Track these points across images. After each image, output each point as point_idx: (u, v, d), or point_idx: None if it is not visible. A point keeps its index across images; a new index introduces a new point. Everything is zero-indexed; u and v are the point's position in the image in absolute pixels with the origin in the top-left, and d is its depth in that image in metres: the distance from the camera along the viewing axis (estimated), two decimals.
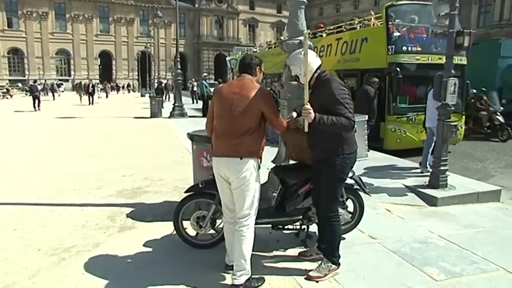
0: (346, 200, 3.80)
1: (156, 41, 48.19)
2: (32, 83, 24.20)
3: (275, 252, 3.58)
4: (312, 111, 2.78)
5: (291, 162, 3.96)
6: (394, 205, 5.12)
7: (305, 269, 3.24)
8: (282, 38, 9.22)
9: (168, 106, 18.83)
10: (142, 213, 4.64)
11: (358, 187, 3.83)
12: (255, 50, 21.26)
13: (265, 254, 3.53)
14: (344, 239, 3.60)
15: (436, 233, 4.15)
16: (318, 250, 3.37)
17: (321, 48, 11.58)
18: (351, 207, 3.90)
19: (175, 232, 3.67)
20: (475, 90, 12.63)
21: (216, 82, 23.38)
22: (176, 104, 17.08)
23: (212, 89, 16.68)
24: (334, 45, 11.20)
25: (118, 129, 13.16)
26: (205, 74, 32.52)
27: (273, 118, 2.98)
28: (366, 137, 7.69)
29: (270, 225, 3.67)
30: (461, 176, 6.38)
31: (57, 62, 57.76)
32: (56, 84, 40.74)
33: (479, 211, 5.03)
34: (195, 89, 26.89)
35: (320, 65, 3.07)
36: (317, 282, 3.05)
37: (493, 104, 12.58)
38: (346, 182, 3.34)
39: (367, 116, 7.58)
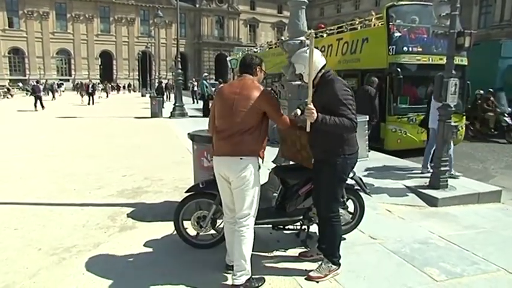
0: (347, 200, 3.80)
1: (156, 41, 48.24)
2: (34, 83, 24.31)
3: (275, 253, 3.58)
4: (314, 111, 2.77)
5: (291, 162, 3.97)
6: (395, 205, 5.12)
7: (305, 270, 3.24)
8: (283, 38, 9.21)
9: (168, 106, 18.83)
10: (142, 213, 4.64)
11: (359, 187, 3.83)
12: (255, 50, 21.26)
13: (266, 254, 3.53)
14: (344, 239, 3.60)
15: (437, 234, 4.15)
16: (319, 250, 3.37)
17: (321, 49, 11.56)
18: (351, 208, 3.90)
19: (175, 232, 3.67)
20: (482, 91, 12.54)
21: (217, 82, 23.38)
22: (177, 104, 17.07)
23: (213, 89, 16.75)
24: (335, 46, 11.20)
25: (118, 129, 13.16)
26: (206, 74, 32.46)
27: (276, 117, 2.99)
28: (367, 137, 7.70)
29: (270, 226, 3.67)
30: (461, 176, 6.36)
31: (58, 62, 57.80)
32: (57, 84, 40.78)
33: (480, 212, 5.03)
34: (195, 88, 26.89)
35: (325, 65, 3.06)
36: (317, 282, 3.05)
37: (501, 105, 12.39)
38: (346, 182, 3.33)
39: (367, 116, 7.58)
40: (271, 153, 3.63)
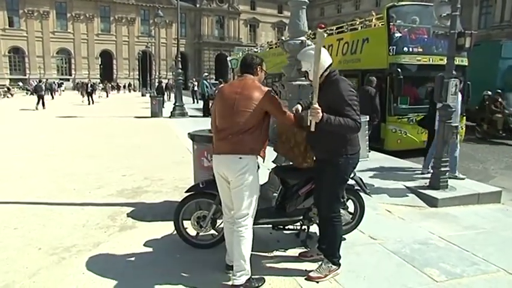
0: (347, 200, 3.79)
1: (157, 40, 48.25)
2: (37, 83, 24.49)
3: (275, 253, 3.58)
4: (320, 110, 2.76)
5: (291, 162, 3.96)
6: (395, 206, 5.12)
7: (305, 270, 3.24)
8: (283, 38, 9.22)
9: (168, 106, 18.83)
10: (142, 212, 4.64)
11: (359, 188, 3.83)
12: (256, 50, 21.27)
13: (266, 254, 3.53)
14: (344, 239, 3.59)
15: (437, 234, 4.15)
16: (319, 250, 3.37)
17: None
18: (351, 208, 3.90)
19: (175, 232, 3.66)
20: (489, 92, 12.42)
21: (217, 82, 23.39)
22: (177, 104, 17.08)
23: (214, 89, 16.73)
24: (335, 46, 11.20)
25: (118, 128, 13.16)
26: (206, 74, 32.50)
27: (279, 115, 3.00)
28: (367, 137, 7.70)
29: (270, 226, 3.67)
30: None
31: (58, 61, 57.79)
32: (57, 83, 40.82)
33: (480, 212, 5.03)
34: (195, 88, 26.89)
35: (331, 64, 3.04)
36: (317, 282, 3.05)
37: (509, 106, 12.21)
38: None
39: (368, 116, 7.58)
40: (271, 153, 3.63)
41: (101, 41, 59.20)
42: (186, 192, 3.65)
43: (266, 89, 2.93)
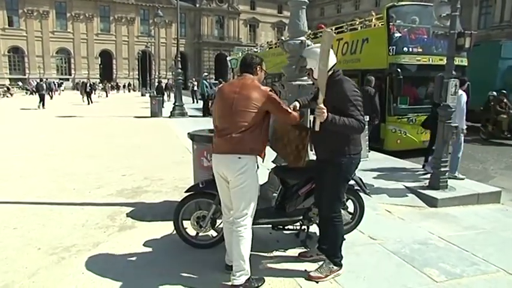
0: (347, 200, 3.79)
1: (156, 40, 48.20)
2: (38, 82, 24.64)
3: (275, 253, 3.58)
4: (325, 110, 2.76)
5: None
6: (395, 206, 5.12)
7: (305, 270, 3.24)
8: (283, 38, 9.22)
9: (168, 106, 18.82)
10: (142, 212, 4.64)
11: (359, 188, 3.83)
12: (255, 50, 21.25)
13: (265, 254, 3.53)
14: (344, 239, 3.59)
15: (436, 234, 4.15)
16: (318, 251, 3.36)
17: None
18: (351, 208, 3.90)
19: (175, 232, 3.66)
20: (495, 93, 12.33)
21: (217, 82, 23.39)
22: (176, 104, 17.07)
23: (215, 89, 16.72)
24: (335, 46, 11.17)
25: (118, 128, 13.16)
26: (206, 74, 32.47)
27: (281, 114, 3.00)
28: (367, 137, 7.70)
29: (270, 226, 3.67)
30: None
31: (58, 61, 57.76)
32: (57, 83, 40.82)
33: (480, 212, 5.03)
34: (195, 88, 26.88)
35: (335, 64, 3.03)
36: (317, 282, 3.05)
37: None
38: None
39: (368, 116, 7.58)
40: (271, 152, 3.62)
41: (100, 40, 59.16)
42: (186, 192, 3.65)
43: (265, 88, 2.92)
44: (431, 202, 5.24)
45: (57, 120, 15.63)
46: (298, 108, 3.15)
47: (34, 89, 31.57)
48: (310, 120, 5.03)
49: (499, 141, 11.62)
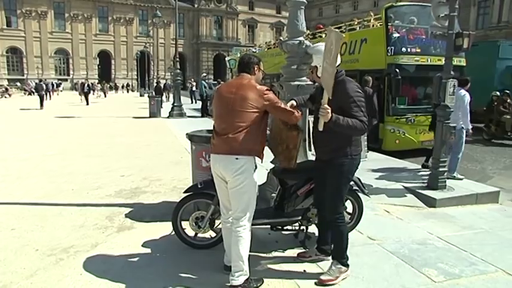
0: (345, 201, 3.79)
1: (155, 40, 48.23)
2: (37, 83, 24.74)
3: (274, 253, 3.57)
4: (330, 110, 2.73)
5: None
6: (393, 206, 5.12)
7: (304, 270, 3.25)
8: (282, 38, 9.23)
9: (167, 106, 18.81)
10: (140, 213, 4.63)
11: (357, 188, 3.83)
12: (254, 50, 21.26)
13: (264, 254, 3.53)
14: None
15: (435, 234, 4.15)
16: (317, 251, 3.37)
17: None
18: (350, 208, 3.90)
19: (173, 232, 3.66)
20: (498, 93, 12.28)
21: (216, 82, 23.40)
22: (175, 104, 17.07)
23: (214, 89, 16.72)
24: None
25: (116, 129, 13.14)
26: (204, 74, 32.52)
27: (280, 113, 2.98)
28: (365, 137, 7.70)
29: (268, 226, 3.66)
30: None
31: (56, 62, 57.62)
32: (56, 83, 40.77)
33: (478, 212, 5.04)
34: (194, 89, 26.87)
35: (339, 64, 2.99)
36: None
37: None
38: None
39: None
40: (270, 153, 3.62)
41: (99, 41, 59.05)
42: (185, 192, 3.64)
43: (262, 87, 2.88)
44: (430, 202, 5.25)
45: (55, 121, 15.60)
46: (295, 106, 3.14)
47: (33, 90, 31.64)
48: (308, 121, 5.04)
49: (498, 142, 11.63)
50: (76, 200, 5.15)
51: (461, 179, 6.16)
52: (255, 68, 3.03)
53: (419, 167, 7.22)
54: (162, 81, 32.51)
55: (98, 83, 44.70)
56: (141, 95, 37.10)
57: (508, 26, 33.04)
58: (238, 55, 22.40)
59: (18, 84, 48.05)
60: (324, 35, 12.74)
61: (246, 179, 2.84)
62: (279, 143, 3.28)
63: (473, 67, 10.40)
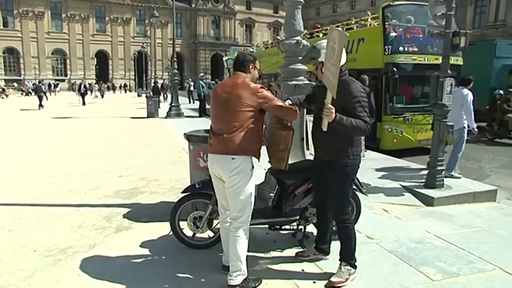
0: None
1: (152, 40, 48.08)
2: (36, 84, 24.80)
3: (272, 253, 3.57)
4: (334, 110, 2.70)
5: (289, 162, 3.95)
6: (391, 205, 5.13)
7: (302, 270, 3.25)
8: (279, 38, 9.23)
9: (164, 106, 18.78)
10: (138, 213, 4.62)
11: (355, 187, 3.82)
12: (251, 50, 21.25)
13: (262, 254, 3.53)
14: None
15: (433, 233, 4.16)
16: (316, 250, 3.37)
17: None
18: None
19: (172, 233, 3.65)
20: (501, 92, 12.20)
21: (214, 82, 23.39)
22: (173, 104, 17.05)
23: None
24: None
25: (114, 129, 13.11)
26: (202, 74, 32.50)
27: (277, 111, 2.96)
28: (363, 137, 7.71)
29: (266, 226, 3.66)
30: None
31: (53, 62, 57.50)
32: (53, 84, 40.69)
33: (476, 211, 5.05)
34: (191, 89, 26.85)
35: (344, 64, 2.87)
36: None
37: None
38: None
39: None
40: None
41: (96, 41, 58.96)
42: (183, 192, 3.64)
43: (255, 86, 2.84)
44: (428, 201, 5.26)
45: (53, 121, 15.56)
46: (291, 104, 3.11)
47: (30, 90, 31.60)
48: (306, 120, 5.05)
49: (497, 140, 11.65)
50: (74, 200, 5.14)
51: (458, 178, 6.18)
52: (250, 66, 3.00)
53: (417, 166, 7.22)
54: (160, 81, 32.46)
55: (95, 83, 44.59)
56: (138, 95, 37.05)
57: (505, 25, 33.14)
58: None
59: (15, 84, 47.92)
60: (321, 35, 12.75)
61: (242, 179, 2.83)
62: (272, 143, 3.28)
63: (470, 66, 10.42)
